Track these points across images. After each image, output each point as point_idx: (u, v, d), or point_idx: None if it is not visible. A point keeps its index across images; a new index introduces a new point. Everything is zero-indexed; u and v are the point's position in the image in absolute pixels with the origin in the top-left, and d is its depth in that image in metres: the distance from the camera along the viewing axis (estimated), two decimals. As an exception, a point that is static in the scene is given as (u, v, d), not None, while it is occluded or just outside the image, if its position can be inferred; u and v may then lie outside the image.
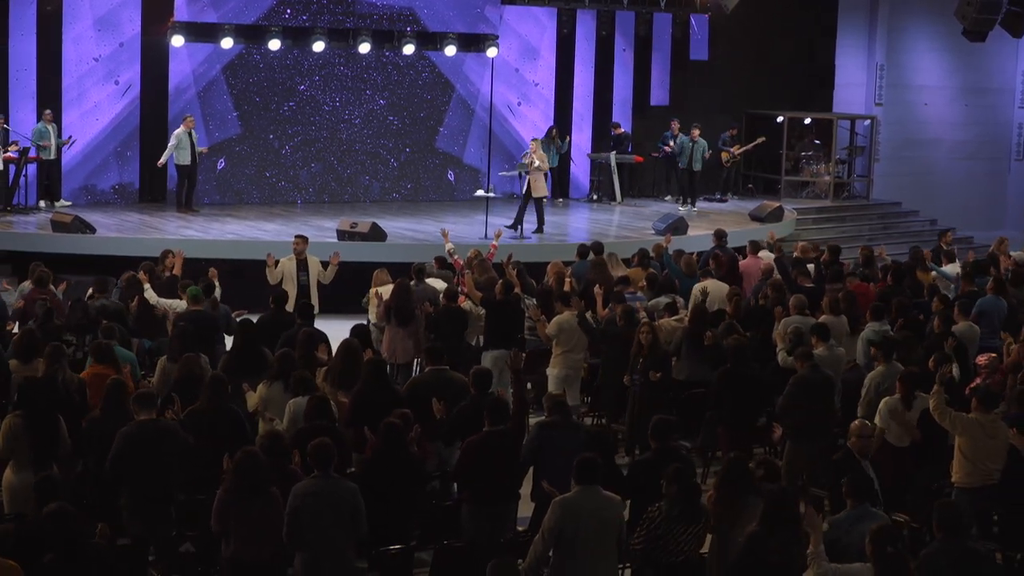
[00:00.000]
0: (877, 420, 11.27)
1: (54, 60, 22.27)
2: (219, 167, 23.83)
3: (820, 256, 17.55)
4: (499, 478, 9.86)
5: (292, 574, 8.91)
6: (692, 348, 13.75)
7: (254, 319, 13.55)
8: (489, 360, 13.78)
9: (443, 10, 24.94)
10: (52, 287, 14.64)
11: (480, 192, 22.32)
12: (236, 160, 23.99)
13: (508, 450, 9.96)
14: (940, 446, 11.06)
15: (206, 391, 10.45)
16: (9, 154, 20.90)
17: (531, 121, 26.04)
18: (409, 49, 23.90)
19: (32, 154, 21.39)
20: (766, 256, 17.42)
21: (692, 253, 18.02)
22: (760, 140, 27.23)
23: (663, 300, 15.06)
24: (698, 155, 25.25)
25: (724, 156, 26.87)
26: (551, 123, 25.80)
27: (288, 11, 23.77)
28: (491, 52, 24.24)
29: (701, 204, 25.71)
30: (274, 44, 22.86)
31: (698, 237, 21.31)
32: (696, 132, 25.36)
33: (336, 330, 13.24)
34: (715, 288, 15.71)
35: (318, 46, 23.15)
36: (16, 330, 13.65)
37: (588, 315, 14.15)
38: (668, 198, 26.39)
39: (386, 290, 14.74)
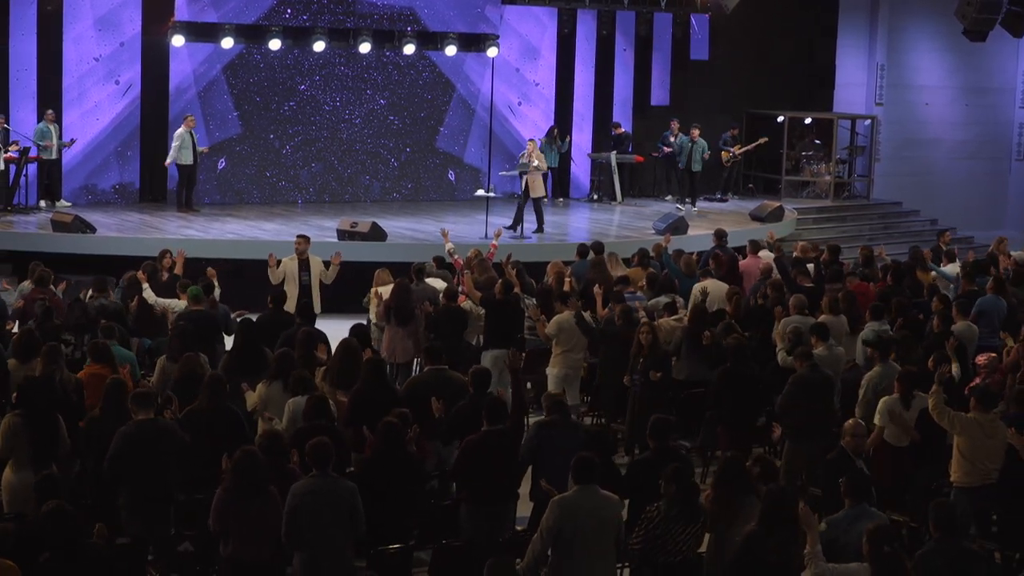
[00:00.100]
0: (876, 419, 11.28)
1: (54, 60, 22.26)
2: (220, 167, 23.82)
3: (820, 256, 17.53)
4: (498, 477, 9.86)
5: (291, 573, 8.91)
6: (692, 348, 13.75)
7: (254, 319, 13.56)
8: (489, 360, 13.77)
9: (443, 10, 24.93)
10: (52, 287, 14.65)
11: (480, 192, 22.30)
12: (236, 160, 23.99)
13: (507, 449, 9.95)
14: (939, 446, 11.06)
15: (205, 391, 10.45)
16: (10, 154, 20.89)
17: (531, 121, 26.03)
18: (409, 49, 23.89)
19: (33, 154, 21.38)
20: (766, 256, 17.39)
21: (692, 253, 18.02)
22: (762, 140, 27.20)
23: (663, 300, 15.05)
24: (697, 155, 25.25)
25: (724, 156, 26.86)
26: (552, 123, 25.77)
27: (288, 11, 23.77)
28: (491, 52, 24.23)
29: (701, 204, 25.70)
30: (274, 44, 22.85)
31: (698, 237, 21.30)
32: (696, 132, 25.36)
33: (336, 330, 13.24)
34: (715, 288, 15.70)
35: (318, 46, 23.15)
36: (16, 330, 13.67)
37: (587, 315, 14.16)
38: (669, 198, 26.39)
39: (387, 290, 14.74)
